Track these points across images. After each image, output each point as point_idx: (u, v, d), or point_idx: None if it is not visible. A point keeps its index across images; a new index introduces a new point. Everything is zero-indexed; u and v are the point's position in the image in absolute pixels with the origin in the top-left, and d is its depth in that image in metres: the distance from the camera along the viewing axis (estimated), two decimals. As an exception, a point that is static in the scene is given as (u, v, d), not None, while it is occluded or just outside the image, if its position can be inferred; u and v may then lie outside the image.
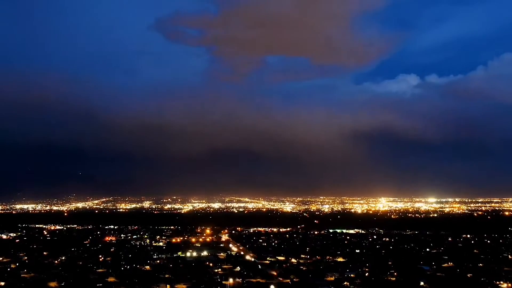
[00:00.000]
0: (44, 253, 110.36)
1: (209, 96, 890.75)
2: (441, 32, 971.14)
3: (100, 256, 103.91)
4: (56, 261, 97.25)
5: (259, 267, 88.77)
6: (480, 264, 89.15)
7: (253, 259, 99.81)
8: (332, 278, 75.96)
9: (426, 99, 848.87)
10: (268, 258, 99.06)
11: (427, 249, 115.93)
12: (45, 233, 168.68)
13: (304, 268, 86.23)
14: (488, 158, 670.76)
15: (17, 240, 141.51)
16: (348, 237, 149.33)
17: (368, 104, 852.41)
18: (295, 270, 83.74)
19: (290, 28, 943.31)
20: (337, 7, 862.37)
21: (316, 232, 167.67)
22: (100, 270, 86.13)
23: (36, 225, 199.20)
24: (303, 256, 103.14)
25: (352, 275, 77.77)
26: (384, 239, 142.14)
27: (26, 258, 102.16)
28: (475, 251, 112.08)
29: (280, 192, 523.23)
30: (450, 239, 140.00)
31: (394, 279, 75.45)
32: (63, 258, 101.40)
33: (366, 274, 78.87)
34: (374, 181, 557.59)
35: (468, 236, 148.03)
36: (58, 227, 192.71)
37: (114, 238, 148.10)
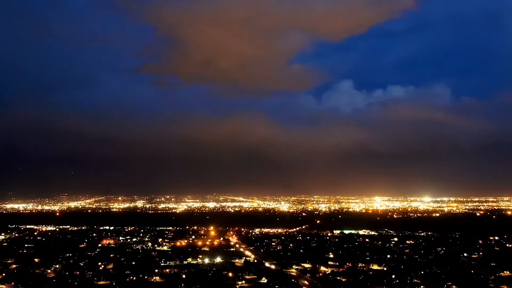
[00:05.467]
0: (36, 259, 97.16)
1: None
2: (382, 58, 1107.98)
3: (100, 263, 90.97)
4: (48, 270, 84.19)
5: (292, 279, 76.14)
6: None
7: (277, 268, 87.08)
8: (384, 293, 63.86)
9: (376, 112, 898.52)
10: (294, 267, 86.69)
11: (465, 254, 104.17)
12: (37, 234, 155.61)
13: (342, 279, 73.85)
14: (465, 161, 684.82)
15: (5, 243, 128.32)
16: (367, 240, 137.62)
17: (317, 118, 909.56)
18: (333, 282, 71.53)
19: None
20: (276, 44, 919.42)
21: (329, 234, 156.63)
22: (102, 283, 73.51)
23: (27, 226, 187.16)
24: (331, 263, 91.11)
25: (405, 288, 65.69)
26: (408, 241, 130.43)
27: (14, 266, 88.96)
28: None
29: (273, 191, 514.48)
30: (480, 241, 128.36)
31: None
32: (57, 266, 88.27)
33: (422, 287, 66.65)
34: (367, 180, 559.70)
35: (497, 238, 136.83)
36: (50, 228, 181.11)
37: (112, 241, 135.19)
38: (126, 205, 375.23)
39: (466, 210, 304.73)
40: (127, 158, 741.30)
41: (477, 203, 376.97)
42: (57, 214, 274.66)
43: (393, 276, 74.72)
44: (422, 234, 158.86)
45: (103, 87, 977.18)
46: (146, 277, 77.37)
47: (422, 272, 78.53)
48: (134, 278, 76.74)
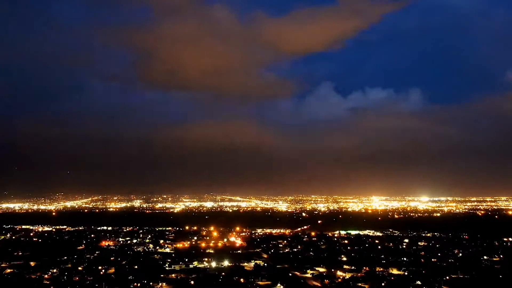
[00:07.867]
0: (31, 263, 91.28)
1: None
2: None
3: (100, 267, 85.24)
4: (45, 276, 78.35)
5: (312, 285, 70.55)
6: None
7: (290, 272, 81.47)
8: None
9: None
10: (309, 271, 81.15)
11: (485, 257, 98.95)
12: (33, 235, 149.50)
13: (365, 286, 68.35)
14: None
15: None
16: (376, 241, 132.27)
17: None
18: (356, 289, 65.90)
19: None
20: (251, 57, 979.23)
21: (336, 235, 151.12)
22: (104, 290, 67.61)
23: (23, 226, 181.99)
24: (347, 267, 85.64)
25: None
26: (420, 243, 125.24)
27: (9, 271, 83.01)
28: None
29: (270, 191, 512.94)
30: (496, 243, 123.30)
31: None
32: (55, 271, 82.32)
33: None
34: (363, 180, 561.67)
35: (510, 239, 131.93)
36: (46, 229, 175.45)
37: (111, 242, 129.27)
38: (123, 204, 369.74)
39: (466, 210, 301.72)
40: (122, 158, 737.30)
41: (475, 203, 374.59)
42: (54, 214, 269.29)
43: (418, 282, 69.30)
44: (428, 234, 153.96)
45: (90, 95, 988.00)
46: (151, 283, 71.60)
47: (448, 278, 73.17)
48: (139, 284, 70.90)
